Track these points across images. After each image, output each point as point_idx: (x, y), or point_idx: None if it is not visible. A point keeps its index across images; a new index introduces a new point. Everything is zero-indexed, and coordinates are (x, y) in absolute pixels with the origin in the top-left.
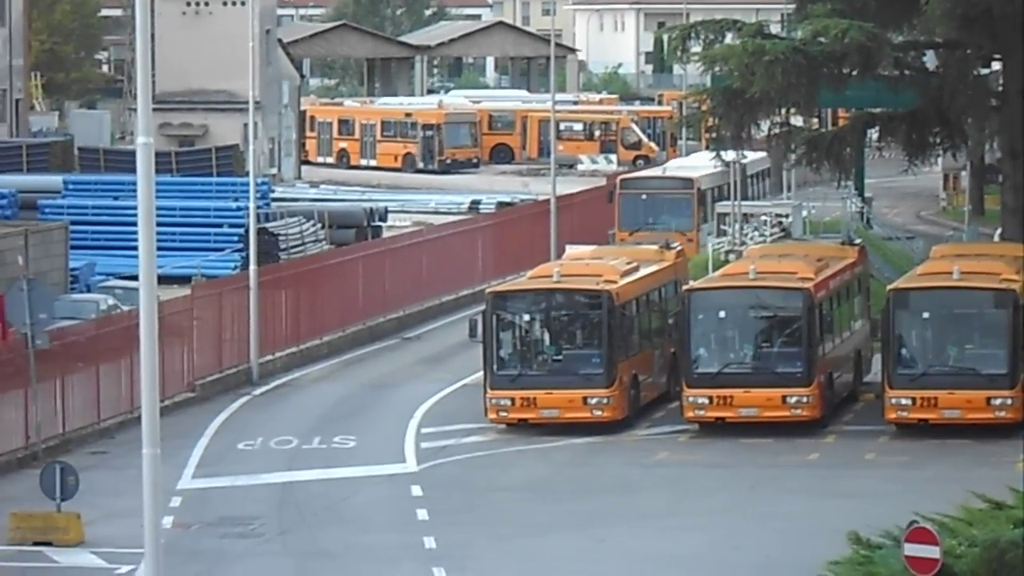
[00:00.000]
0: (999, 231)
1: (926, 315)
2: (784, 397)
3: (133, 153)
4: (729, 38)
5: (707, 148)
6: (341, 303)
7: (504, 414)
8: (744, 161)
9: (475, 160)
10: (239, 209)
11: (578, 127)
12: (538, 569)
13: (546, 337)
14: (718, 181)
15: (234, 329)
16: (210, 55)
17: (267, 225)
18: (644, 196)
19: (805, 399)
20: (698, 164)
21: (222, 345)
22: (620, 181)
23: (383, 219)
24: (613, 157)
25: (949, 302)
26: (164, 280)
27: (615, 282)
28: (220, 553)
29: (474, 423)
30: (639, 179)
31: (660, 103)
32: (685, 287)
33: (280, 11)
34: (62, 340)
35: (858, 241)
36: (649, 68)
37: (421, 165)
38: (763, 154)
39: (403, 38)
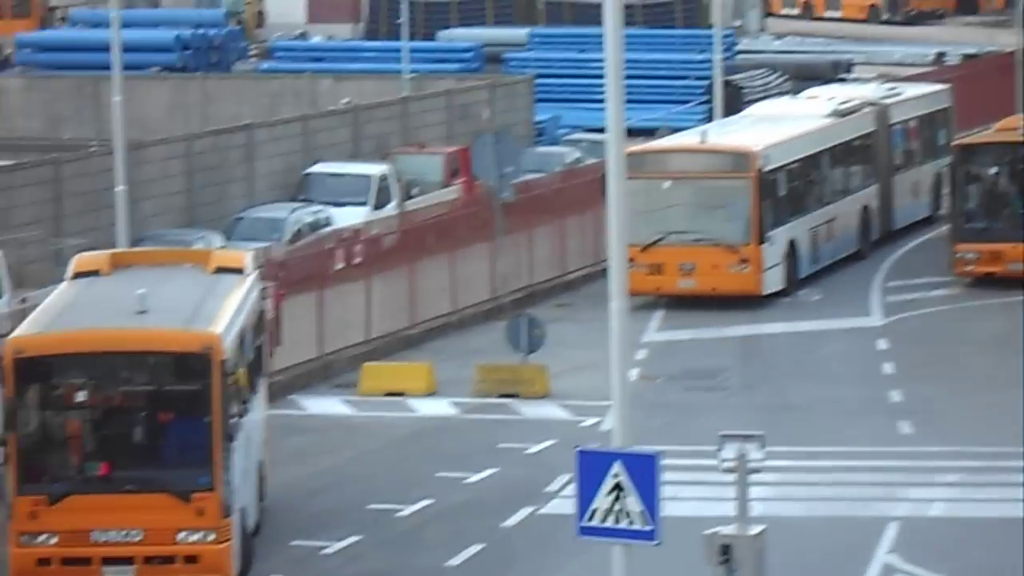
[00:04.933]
0: None
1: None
2: None
3: (598, 5)
4: None
5: None
6: None
7: (970, 268)
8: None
9: (940, 11)
10: (704, 61)
11: None
12: (1003, 424)
13: (1013, 189)
14: (799, 149)
15: None
16: None
17: (732, 78)
18: (667, 185)
19: None
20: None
21: None
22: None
23: (848, 71)
24: None
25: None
26: (630, 133)
27: None
28: (685, 405)
29: (940, 276)
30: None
31: None
32: None
33: None
34: (528, 193)
35: None
36: None
37: (886, 16)
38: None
39: None
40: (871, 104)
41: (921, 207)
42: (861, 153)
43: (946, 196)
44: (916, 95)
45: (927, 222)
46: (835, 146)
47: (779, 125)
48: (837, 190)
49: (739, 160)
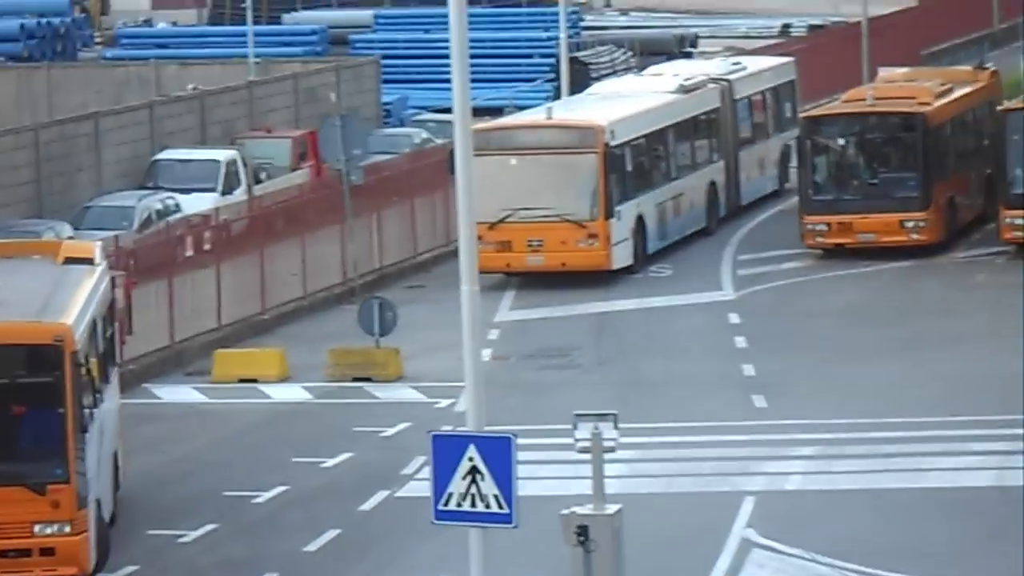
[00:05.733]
0: None
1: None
2: None
3: None
4: None
5: None
6: None
7: (821, 239)
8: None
9: None
10: (550, 39)
11: None
12: (857, 395)
13: (861, 161)
14: (645, 124)
15: None
16: None
17: (578, 54)
18: (514, 162)
19: None
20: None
21: None
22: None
23: (694, 45)
24: None
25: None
26: (477, 112)
27: (929, 104)
28: (539, 384)
29: (790, 249)
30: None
31: None
32: (1000, 107)
33: None
34: (377, 175)
35: None
36: None
37: None
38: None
39: None
40: (715, 79)
41: (768, 181)
42: (707, 128)
43: (793, 169)
44: (760, 69)
45: (774, 196)
46: (680, 121)
47: (625, 101)
48: (684, 165)
49: (585, 135)
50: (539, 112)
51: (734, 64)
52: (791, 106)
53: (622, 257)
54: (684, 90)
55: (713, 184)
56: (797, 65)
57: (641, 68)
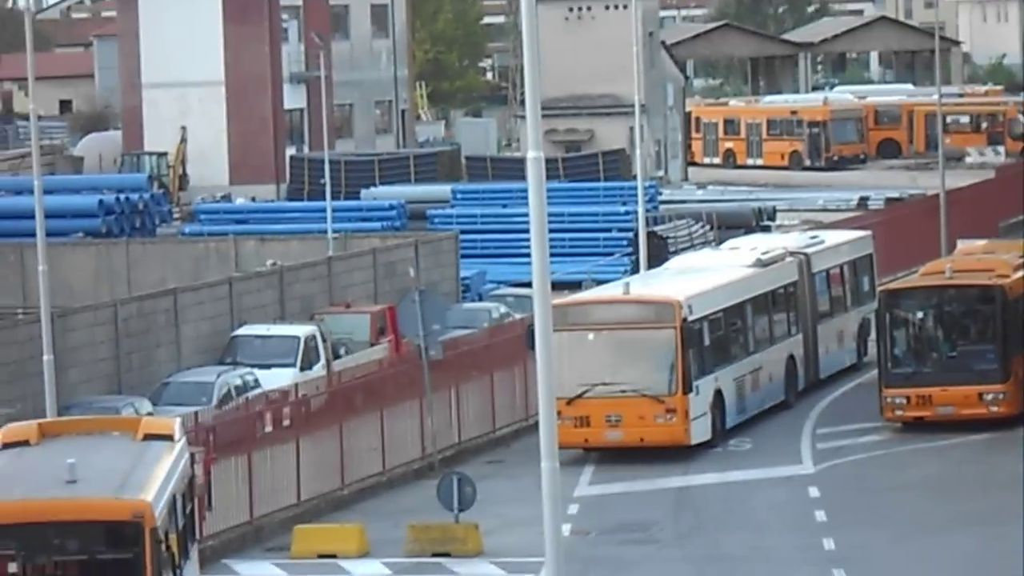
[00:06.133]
0: None
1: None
2: None
3: (520, 160)
4: None
5: None
6: None
7: (900, 412)
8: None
9: (862, 156)
10: (627, 213)
11: (965, 120)
12: (937, 569)
13: (940, 334)
14: (723, 299)
15: None
16: (593, 59)
17: (656, 228)
18: (591, 337)
19: None
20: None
21: None
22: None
23: (771, 218)
24: (1001, 149)
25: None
26: (555, 286)
27: (1008, 276)
28: (619, 559)
29: (869, 422)
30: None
31: None
32: None
33: (662, 13)
34: (456, 350)
35: None
36: None
37: (808, 163)
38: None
39: (786, 36)
40: (793, 253)
41: (847, 354)
42: (785, 302)
43: (872, 342)
44: (838, 242)
45: (852, 369)
46: (758, 295)
47: (702, 275)
48: (762, 339)
49: (662, 310)
50: (616, 287)
51: (812, 238)
52: (869, 279)
53: (700, 432)
54: (761, 264)
55: (792, 357)
56: (875, 238)
57: (719, 241)
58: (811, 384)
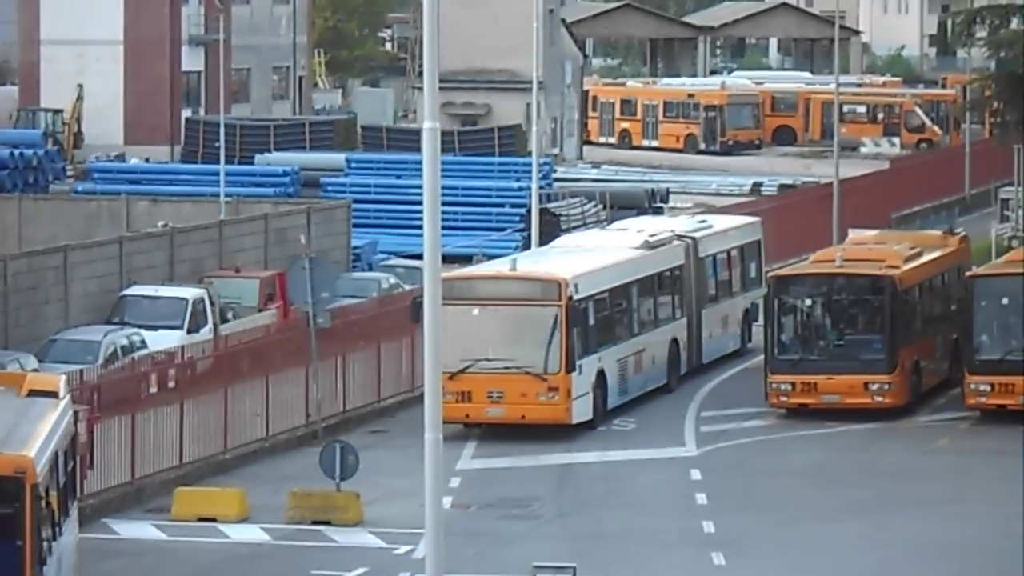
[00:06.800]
0: None
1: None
2: None
3: (416, 132)
4: (1015, 23)
5: (990, 135)
6: None
7: (785, 399)
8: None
9: (757, 142)
10: (521, 189)
11: (861, 110)
12: (816, 555)
13: (828, 322)
14: (609, 279)
15: None
16: (493, 34)
17: (549, 205)
18: (476, 312)
19: None
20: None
21: None
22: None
23: (664, 200)
24: (896, 140)
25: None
26: (446, 259)
27: (898, 267)
28: (498, 534)
29: (754, 407)
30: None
31: (944, 87)
32: (968, 273)
33: None
34: (344, 319)
35: None
36: (933, 51)
37: (703, 146)
38: None
39: (686, 18)
40: (681, 236)
41: (731, 340)
42: (670, 285)
43: (757, 328)
44: (726, 227)
45: (736, 355)
46: (644, 277)
47: (589, 255)
48: (646, 321)
49: (548, 288)
50: (503, 263)
51: (700, 222)
52: (756, 265)
53: (582, 411)
54: (649, 246)
55: (675, 341)
56: (766, 224)
57: (611, 221)
58: (694, 368)
